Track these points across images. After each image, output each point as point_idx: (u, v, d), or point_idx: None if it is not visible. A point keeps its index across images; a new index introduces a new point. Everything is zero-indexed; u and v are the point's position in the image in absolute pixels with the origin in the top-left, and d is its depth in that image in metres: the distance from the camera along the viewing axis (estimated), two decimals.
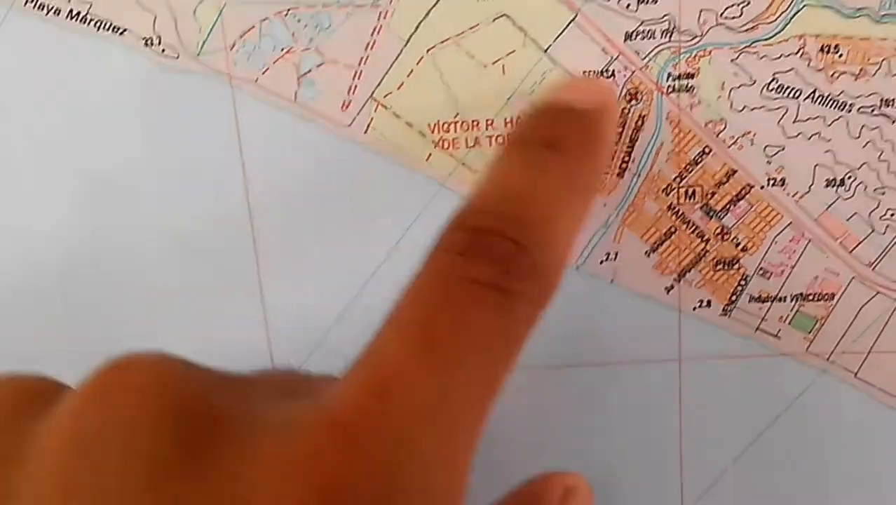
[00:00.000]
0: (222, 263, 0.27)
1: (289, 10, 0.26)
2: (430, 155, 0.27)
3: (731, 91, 0.26)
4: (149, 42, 0.26)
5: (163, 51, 0.26)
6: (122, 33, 0.26)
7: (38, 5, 0.26)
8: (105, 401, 0.17)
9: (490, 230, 0.20)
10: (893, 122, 0.26)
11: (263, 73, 0.26)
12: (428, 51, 0.26)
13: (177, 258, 0.27)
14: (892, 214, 0.27)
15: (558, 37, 0.26)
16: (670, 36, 0.26)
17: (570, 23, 0.26)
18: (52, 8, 0.26)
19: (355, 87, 0.26)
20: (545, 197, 0.21)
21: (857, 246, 0.27)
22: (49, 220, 0.27)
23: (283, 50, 0.26)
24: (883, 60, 0.25)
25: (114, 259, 0.28)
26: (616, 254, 0.27)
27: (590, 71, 0.26)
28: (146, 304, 0.28)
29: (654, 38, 0.26)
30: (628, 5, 0.25)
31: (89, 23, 0.26)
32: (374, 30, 0.26)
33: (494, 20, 0.26)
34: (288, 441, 0.17)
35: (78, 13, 0.26)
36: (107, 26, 0.26)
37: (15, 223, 0.28)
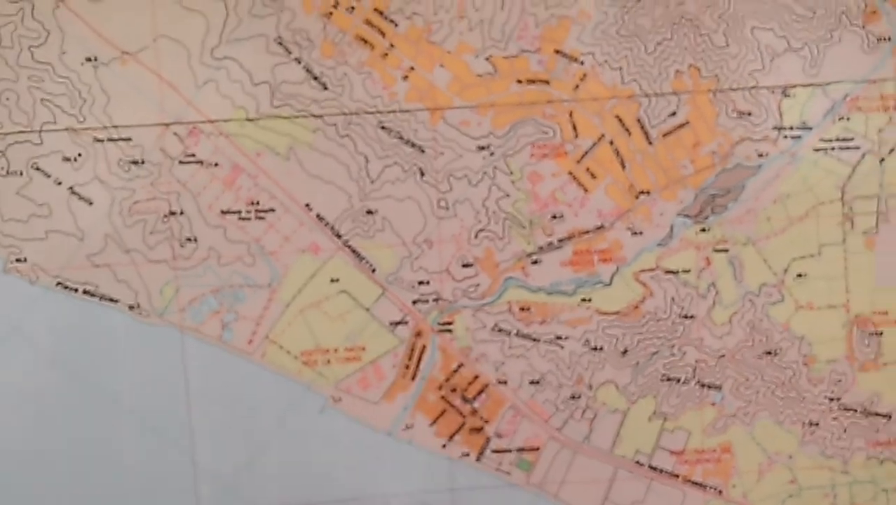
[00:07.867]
0: (153, 424, 0.44)
1: (218, 289, 0.44)
2: (300, 370, 0.45)
3: (473, 331, 0.46)
4: (132, 307, 0.44)
5: (140, 312, 0.44)
6: (116, 302, 0.44)
7: (63, 286, 0.43)
8: None
9: None
10: (563, 347, 0.46)
11: (201, 324, 0.44)
12: (300, 311, 0.45)
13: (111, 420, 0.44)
14: (564, 401, 0.47)
15: (375, 302, 0.45)
16: (437, 301, 0.45)
17: (381, 295, 0.45)
18: (73, 287, 0.43)
19: (256, 331, 0.45)
20: None
21: (549, 418, 0.47)
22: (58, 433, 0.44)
23: (214, 312, 0.44)
24: (554, 315, 0.46)
25: (89, 444, 0.44)
26: (413, 425, 0.46)
27: (394, 321, 0.45)
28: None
29: (429, 303, 0.45)
30: (413, 286, 0.45)
31: (94, 296, 0.43)
32: (269, 299, 0.45)
33: (339, 293, 0.45)
34: None
35: (87, 290, 0.43)
36: (106, 298, 0.43)
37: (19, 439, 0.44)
